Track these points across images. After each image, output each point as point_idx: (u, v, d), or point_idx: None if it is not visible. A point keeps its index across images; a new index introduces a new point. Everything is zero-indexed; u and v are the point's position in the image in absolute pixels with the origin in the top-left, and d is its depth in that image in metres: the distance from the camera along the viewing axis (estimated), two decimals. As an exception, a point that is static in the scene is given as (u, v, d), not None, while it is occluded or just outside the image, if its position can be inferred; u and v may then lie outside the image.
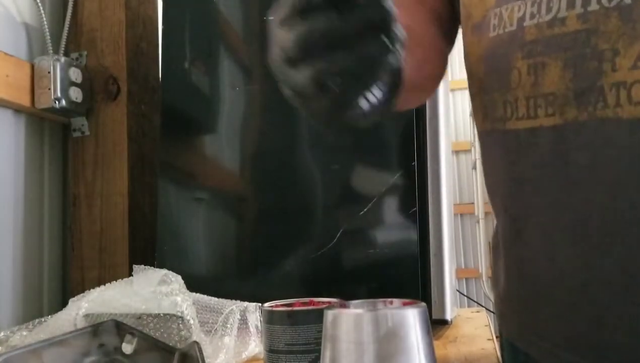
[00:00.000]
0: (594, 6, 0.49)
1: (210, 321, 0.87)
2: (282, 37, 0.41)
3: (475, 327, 1.07)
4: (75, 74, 1.17)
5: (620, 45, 0.48)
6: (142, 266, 0.88)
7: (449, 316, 1.01)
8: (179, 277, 0.86)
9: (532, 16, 0.53)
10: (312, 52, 0.40)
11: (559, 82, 0.51)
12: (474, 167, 3.89)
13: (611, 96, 0.49)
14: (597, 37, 0.49)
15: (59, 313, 0.82)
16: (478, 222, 3.84)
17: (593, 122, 0.50)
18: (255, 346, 0.85)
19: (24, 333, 0.81)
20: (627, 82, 0.48)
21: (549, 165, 0.53)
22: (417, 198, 0.98)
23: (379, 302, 0.45)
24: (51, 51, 1.16)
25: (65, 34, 1.21)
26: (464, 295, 4.15)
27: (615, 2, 0.48)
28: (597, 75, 0.49)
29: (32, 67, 1.13)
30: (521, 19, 0.54)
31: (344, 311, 0.42)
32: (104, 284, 0.85)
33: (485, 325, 1.08)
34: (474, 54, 0.61)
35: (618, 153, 0.48)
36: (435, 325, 0.99)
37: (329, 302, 0.67)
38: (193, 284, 0.88)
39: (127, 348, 0.67)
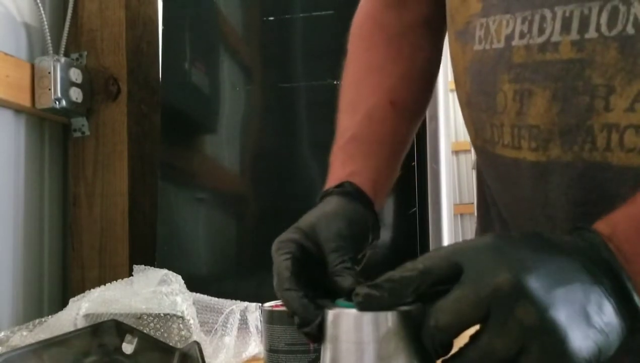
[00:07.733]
0: (591, 33, 0.43)
1: (210, 321, 0.87)
2: None
3: (475, 327, 1.07)
4: (75, 74, 1.17)
5: (617, 81, 0.42)
6: (142, 266, 0.88)
7: (448, 316, 1.00)
8: (179, 277, 0.86)
9: (522, 35, 0.46)
10: None
11: (544, 115, 0.45)
12: (474, 167, 3.89)
13: (601, 138, 0.43)
14: (591, 70, 0.43)
15: (59, 313, 0.82)
16: (478, 222, 3.83)
17: (579, 164, 0.44)
18: (255, 346, 0.85)
19: (24, 333, 0.81)
20: (621, 125, 0.42)
21: (529, 200, 0.49)
22: (417, 198, 0.98)
23: (379, 302, 0.45)
24: (51, 51, 1.16)
25: (66, 34, 1.21)
26: (464, 295, 4.15)
27: (616, 32, 0.42)
28: (588, 112, 0.43)
29: (33, 67, 1.13)
30: (509, 37, 0.47)
31: (344, 311, 0.42)
32: (104, 284, 0.85)
33: (485, 325, 1.08)
34: (459, 63, 0.55)
35: (605, 204, 0.41)
36: (435, 325, 0.98)
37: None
38: (193, 284, 0.88)
39: (127, 348, 0.67)
